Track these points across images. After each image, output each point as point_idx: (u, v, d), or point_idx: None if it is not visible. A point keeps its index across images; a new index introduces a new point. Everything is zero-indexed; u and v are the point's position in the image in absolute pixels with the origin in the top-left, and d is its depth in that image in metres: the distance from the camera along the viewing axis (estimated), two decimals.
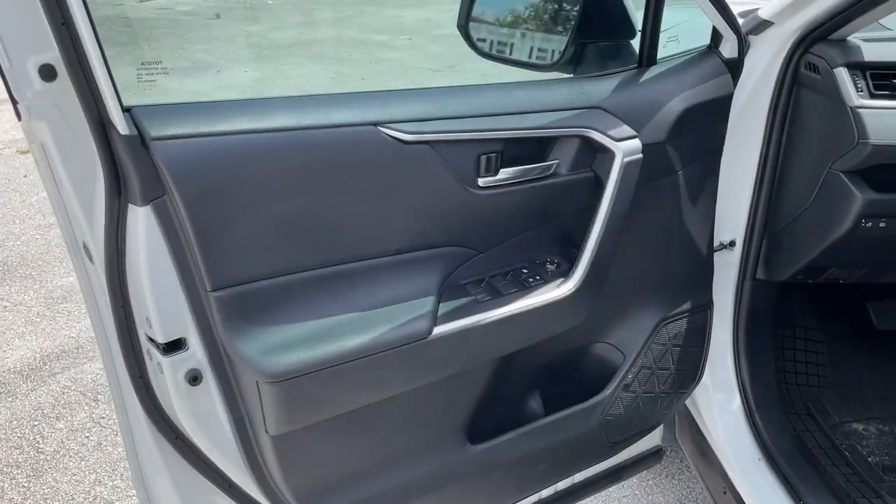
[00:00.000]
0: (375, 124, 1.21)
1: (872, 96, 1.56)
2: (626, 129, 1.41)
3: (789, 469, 1.77)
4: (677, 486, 2.55)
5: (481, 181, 1.33)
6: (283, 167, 1.14)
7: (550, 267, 1.47)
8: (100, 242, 1.12)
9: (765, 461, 1.82)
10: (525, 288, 1.41)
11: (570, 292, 1.41)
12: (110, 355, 1.21)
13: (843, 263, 1.77)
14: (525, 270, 1.45)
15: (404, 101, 1.26)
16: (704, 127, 1.60)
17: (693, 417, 2.01)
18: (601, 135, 1.39)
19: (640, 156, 1.42)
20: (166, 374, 1.17)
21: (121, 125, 1.01)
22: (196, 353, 1.17)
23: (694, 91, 1.53)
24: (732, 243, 1.85)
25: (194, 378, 1.18)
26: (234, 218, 1.12)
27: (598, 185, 1.44)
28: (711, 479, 1.91)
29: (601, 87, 1.46)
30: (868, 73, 1.57)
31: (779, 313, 2.04)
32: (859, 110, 1.55)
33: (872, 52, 1.58)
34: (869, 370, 2.18)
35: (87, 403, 2.94)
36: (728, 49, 1.60)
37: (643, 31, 1.50)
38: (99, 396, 2.97)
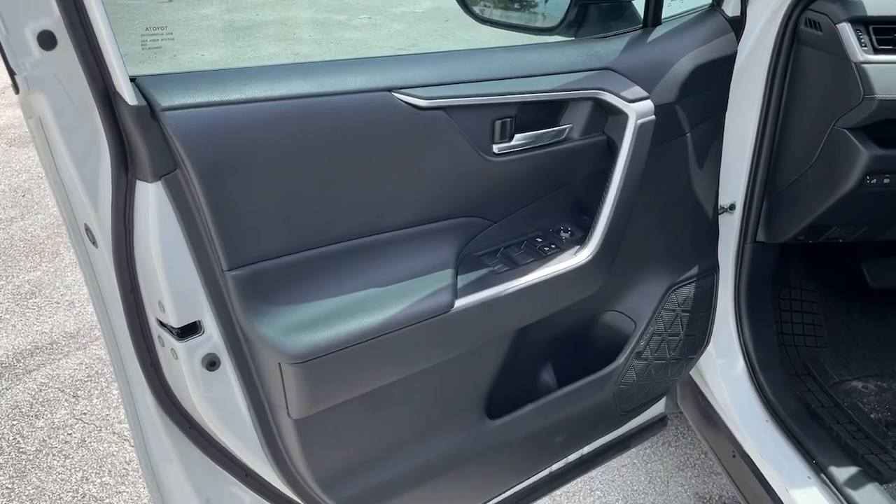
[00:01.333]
0: (390, 90, 1.15)
1: (876, 51, 1.55)
2: (639, 91, 1.38)
3: (797, 429, 1.78)
4: (675, 452, 2.56)
5: (496, 147, 1.29)
6: (298, 136, 1.08)
7: (565, 235, 1.44)
8: (105, 224, 1.05)
9: (772, 422, 1.83)
10: (541, 257, 1.37)
11: (586, 260, 1.38)
12: (116, 345, 1.15)
13: (845, 222, 1.78)
14: (539, 239, 1.42)
15: (417, 65, 1.21)
16: (710, 87, 1.57)
17: (695, 383, 2.01)
18: (614, 96, 1.35)
19: (653, 117, 1.39)
20: (181, 360, 1.11)
21: (129, 95, 0.94)
22: (213, 337, 1.11)
23: (700, 50, 1.50)
24: (732, 206, 1.84)
25: (212, 363, 1.12)
26: (249, 192, 1.06)
27: (611, 150, 1.40)
28: (719, 444, 1.91)
29: (610, 48, 1.42)
30: (871, 28, 1.56)
31: (776, 275, 2.05)
32: (864, 66, 1.53)
33: (874, 7, 1.56)
34: (863, 328, 2.20)
35: (66, 400, 2.84)
36: (731, 7, 1.57)
37: None
38: (79, 392, 2.87)
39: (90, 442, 2.63)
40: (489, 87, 1.24)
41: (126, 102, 0.95)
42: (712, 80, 1.56)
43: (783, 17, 1.65)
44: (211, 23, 8.96)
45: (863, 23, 1.56)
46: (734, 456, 1.85)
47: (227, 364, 1.13)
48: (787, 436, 1.78)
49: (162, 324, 1.11)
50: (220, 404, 1.16)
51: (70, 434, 2.68)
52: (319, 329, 1.12)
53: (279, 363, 1.12)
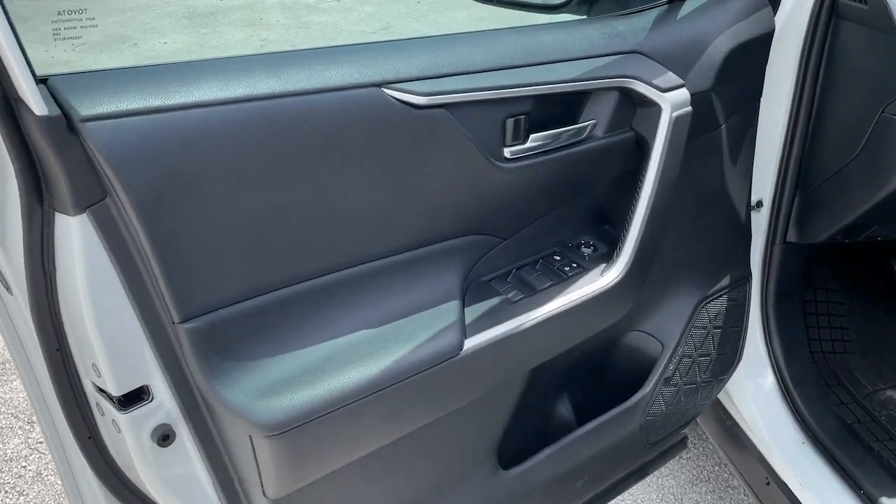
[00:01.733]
0: (379, 85, 0.92)
1: None
2: (672, 77, 1.16)
3: (837, 451, 1.59)
4: (687, 465, 2.38)
5: (508, 151, 1.06)
6: (263, 149, 0.85)
7: (587, 251, 1.22)
8: (18, 266, 0.81)
9: (809, 444, 1.63)
10: (562, 280, 1.15)
11: (616, 281, 1.17)
12: (48, 413, 0.91)
13: (889, 220, 1.58)
14: (558, 257, 1.20)
15: (411, 53, 0.98)
16: (747, 70, 1.36)
17: (718, 399, 1.81)
18: (645, 85, 1.13)
19: (690, 109, 1.18)
20: (126, 434, 0.87)
21: (36, 102, 0.70)
22: (164, 405, 0.88)
23: (737, 28, 1.29)
24: (760, 203, 1.63)
25: (164, 437, 0.88)
26: (202, 223, 0.82)
27: (641, 148, 1.19)
28: (749, 469, 1.72)
29: (635, 27, 1.20)
30: None
31: (803, 277, 1.85)
32: None
33: None
34: (892, 330, 2.02)
35: (20, 427, 2.58)
36: None
37: None
38: (34, 418, 2.60)
39: (47, 475, 2.38)
40: (499, 78, 1.02)
41: (32, 112, 0.71)
42: (749, 63, 1.35)
43: None
44: (173, 9, 8.58)
45: None
46: (768, 483, 1.66)
47: (183, 437, 0.90)
48: (828, 460, 1.59)
49: (100, 389, 0.87)
50: (179, 484, 0.93)
51: (25, 466, 2.43)
52: (298, 389, 0.89)
53: (250, 435, 0.89)
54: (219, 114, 0.80)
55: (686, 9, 1.27)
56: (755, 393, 1.72)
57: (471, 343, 1.02)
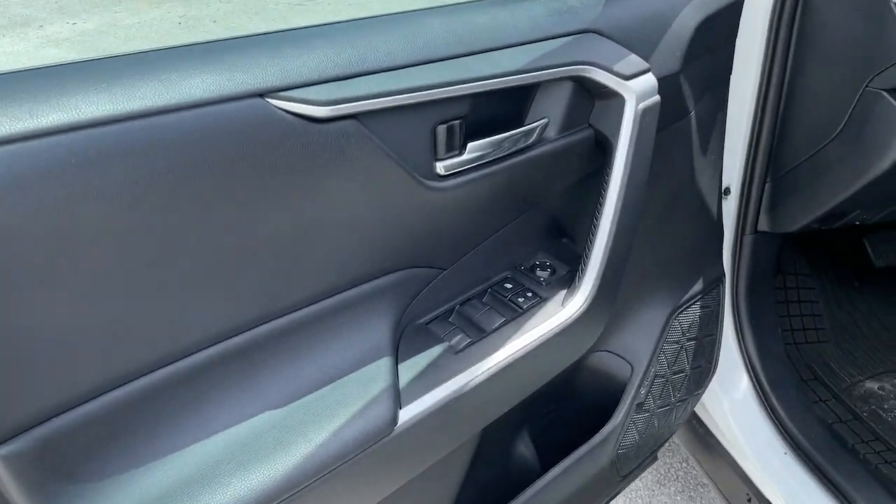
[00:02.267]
0: (262, 94, 0.69)
1: None
2: (636, 61, 0.95)
3: (823, 461, 1.44)
4: (653, 465, 2.23)
5: (441, 166, 0.84)
6: (100, 191, 0.61)
7: (543, 274, 1.01)
8: None
9: (792, 454, 1.48)
10: (516, 314, 0.95)
11: (581, 311, 0.97)
12: None
13: (871, 204, 1.42)
14: (509, 286, 0.99)
15: (306, 46, 0.74)
16: (716, 46, 1.16)
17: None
18: (605, 73, 0.92)
19: (658, 98, 0.97)
20: None
21: None
22: None
23: (700, 2, 1.08)
24: (727, 191, 1.46)
25: None
26: (14, 302, 0.58)
27: (602, 147, 0.98)
28: (727, 484, 1.56)
29: (591, 2, 0.98)
30: None
31: (775, 267, 1.69)
32: None
33: None
34: (867, 315, 1.89)
35: None
36: None
37: None
38: None
39: None
40: (424, 75, 0.79)
41: None
42: (718, 37, 1.15)
43: None
44: None
45: None
46: (749, 500, 1.51)
47: None
48: (814, 472, 1.44)
49: None
50: None
51: None
52: None
53: None
54: (14, 155, 0.55)
55: None
56: (730, 398, 1.56)
57: (407, 413, 0.81)
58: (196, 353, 0.71)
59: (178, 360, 0.70)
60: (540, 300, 0.97)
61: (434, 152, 0.83)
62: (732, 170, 1.45)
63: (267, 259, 0.74)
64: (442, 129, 0.82)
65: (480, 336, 0.91)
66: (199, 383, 0.71)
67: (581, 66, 0.91)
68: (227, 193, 0.68)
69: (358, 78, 0.74)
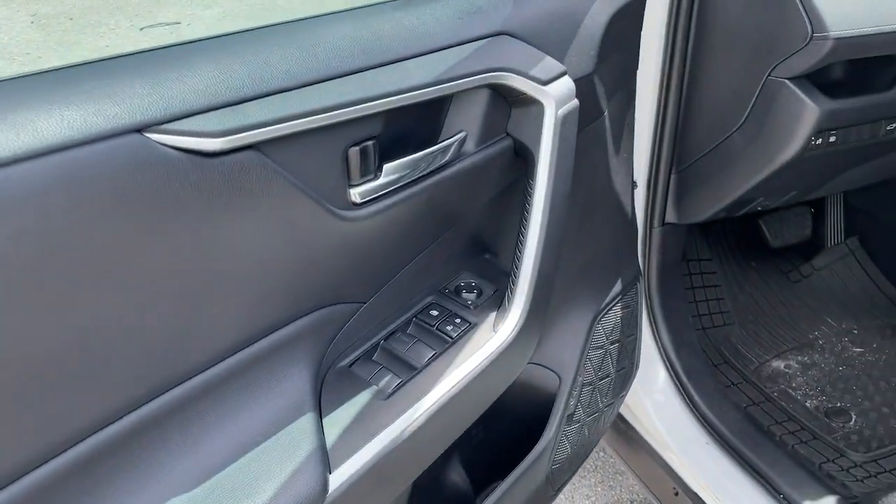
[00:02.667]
0: (140, 129, 0.57)
1: None
2: (553, 64, 0.89)
3: (743, 447, 1.45)
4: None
5: (356, 193, 0.75)
6: None
7: (470, 296, 0.94)
8: None
9: (714, 444, 1.49)
10: (446, 345, 0.87)
11: (515, 333, 0.90)
12: None
13: (775, 191, 1.43)
14: (435, 312, 0.91)
15: (186, 67, 0.63)
16: (625, 42, 1.12)
17: None
18: (522, 78, 0.85)
19: (577, 102, 0.91)
20: None
21: None
22: None
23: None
24: (634, 185, 1.43)
25: None
26: None
27: (523, 157, 0.91)
28: (654, 479, 1.55)
29: (498, 1, 0.91)
30: None
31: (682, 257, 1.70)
32: None
33: None
34: (766, 294, 1.94)
35: None
36: None
37: None
38: None
39: None
40: (329, 93, 0.69)
41: None
42: (627, 32, 1.11)
43: None
44: None
45: None
46: (676, 494, 1.50)
47: None
48: (736, 460, 1.44)
49: None
50: None
51: None
52: None
53: None
54: None
55: None
56: (649, 392, 1.55)
57: (339, 478, 0.71)
58: (83, 440, 0.59)
59: (60, 454, 0.58)
60: (470, 326, 0.89)
61: (347, 178, 0.74)
62: (639, 164, 1.42)
63: (161, 318, 0.63)
64: (354, 151, 0.73)
65: (410, 375, 0.82)
66: (91, 474, 0.59)
67: (497, 73, 0.84)
68: (107, 249, 0.56)
69: (254, 101, 0.64)
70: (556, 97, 0.88)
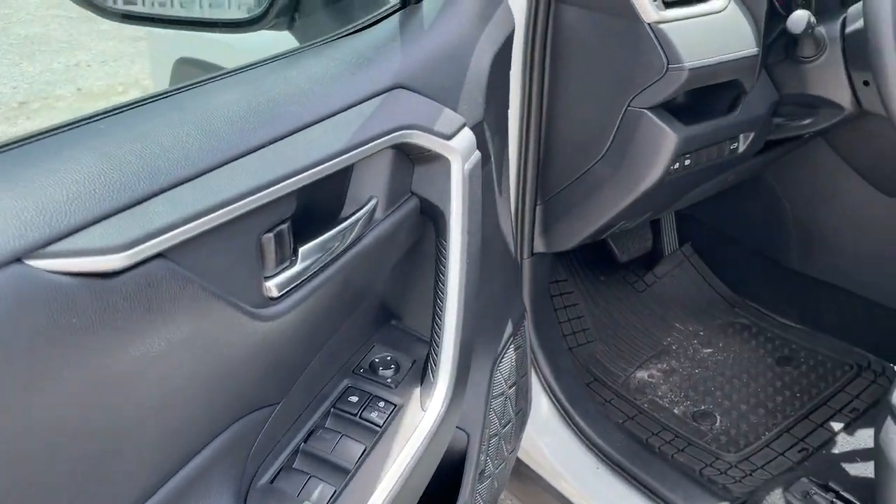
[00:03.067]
0: (19, 257, 0.44)
1: (667, 5, 1.21)
2: (453, 117, 0.83)
3: (631, 466, 1.48)
4: None
5: (272, 285, 0.64)
6: None
7: (388, 373, 0.86)
8: None
9: (603, 466, 1.50)
10: (374, 436, 0.78)
11: (445, 407, 0.83)
12: None
13: (635, 214, 1.47)
14: (354, 398, 0.81)
15: (64, 161, 0.50)
16: (501, 83, 1.09)
17: None
18: (426, 135, 0.79)
19: (479, 154, 0.87)
20: None
21: None
22: None
23: (488, 34, 1.00)
24: None
25: None
26: None
27: (430, 216, 0.85)
28: None
29: (383, 47, 0.84)
30: None
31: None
32: (660, 27, 1.19)
33: None
34: (619, 307, 2.01)
35: None
36: None
37: None
38: None
39: None
40: (236, 178, 0.58)
41: None
42: (503, 73, 1.08)
43: None
44: None
45: None
46: None
47: None
48: (628, 481, 1.47)
49: None
50: None
51: None
52: None
53: None
54: None
55: (430, 14, 0.94)
56: (535, 422, 1.53)
57: None
58: None
59: None
60: (395, 408, 0.81)
61: (262, 269, 0.63)
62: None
63: (56, 475, 0.49)
64: (269, 239, 0.62)
65: (343, 481, 0.72)
66: None
67: (402, 132, 0.76)
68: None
69: (154, 198, 0.52)
70: (461, 151, 0.82)
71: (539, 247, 1.51)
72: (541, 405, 1.56)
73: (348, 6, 0.98)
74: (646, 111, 1.25)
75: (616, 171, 1.33)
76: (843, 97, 1.30)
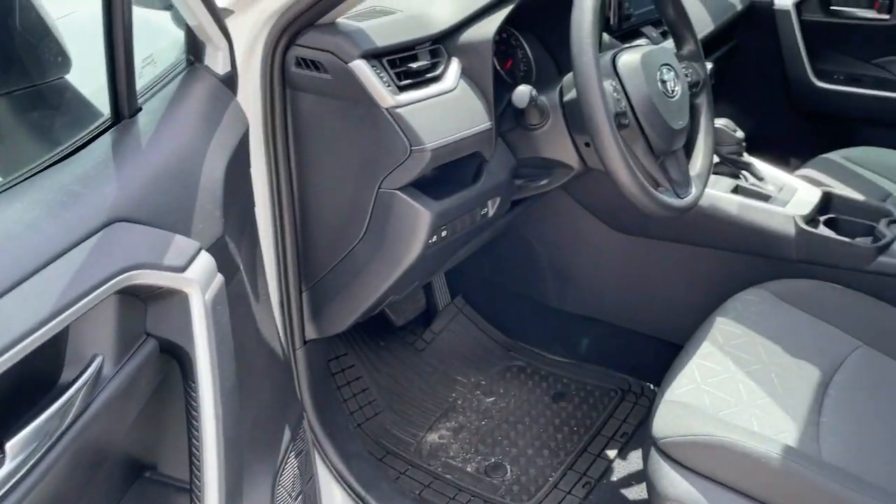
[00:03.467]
0: None
1: (401, 89, 1.23)
2: (185, 244, 0.77)
3: None
4: None
5: None
6: None
7: None
8: None
9: None
10: None
11: None
12: None
13: (403, 287, 1.47)
14: None
15: None
16: (242, 186, 1.03)
17: None
18: (157, 272, 0.71)
19: (221, 277, 0.80)
20: None
21: None
22: None
23: (219, 140, 0.94)
24: None
25: None
26: None
27: (174, 356, 0.77)
28: None
29: (94, 177, 0.75)
30: (385, 62, 1.23)
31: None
32: (398, 111, 1.20)
33: (378, 34, 1.23)
34: (401, 370, 2.00)
35: None
36: (220, 61, 1.04)
37: (113, 67, 0.81)
38: None
39: None
40: None
41: None
42: (241, 176, 1.02)
43: (263, 61, 1.20)
44: None
45: (376, 56, 1.22)
46: None
47: None
48: None
49: None
50: None
51: None
52: None
53: None
54: None
55: (146, 129, 0.86)
56: None
57: None
58: None
59: None
60: None
61: None
62: (269, 288, 1.35)
63: None
64: None
65: None
66: None
67: (124, 276, 0.68)
68: None
69: None
70: (199, 281, 0.75)
71: (311, 333, 1.46)
72: (335, 496, 1.50)
73: (46, 128, 0.87)
74: (397, 192, 1.25)
75: (377, 252, 1.33)
76: (571, 158, 1.40)
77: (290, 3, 1.16)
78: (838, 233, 1.55)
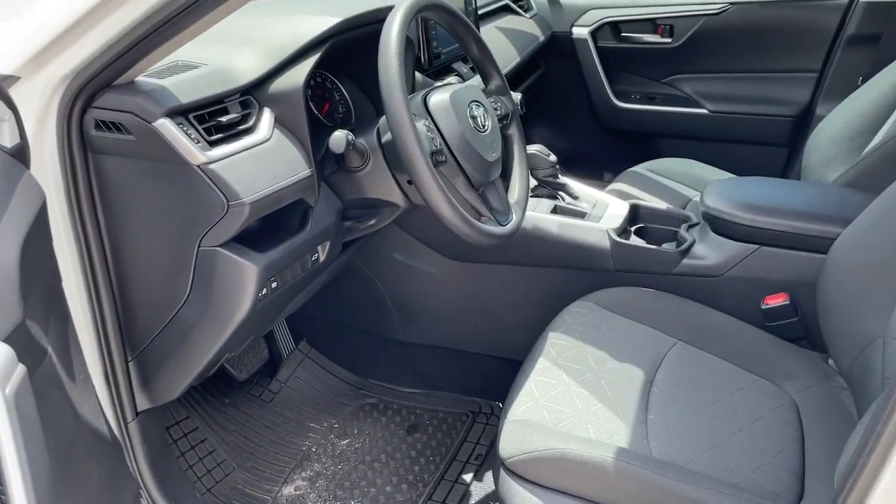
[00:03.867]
0: None
1: (212, 144, 1.20)
2: None
3: None
4: None
5: None
6: None
7: None
8: None
9: None
10: None
11: None
12: None
13: (238, 343, 1.43)
14: None
15: None
16: (44, 261, 0.96)
17: None
18: None
19: (23, 367, 0.75)
20: None
21: None
22: None
23: (9, 219, 0.88)
24: None
25: None
26: None
27: None
28: None
29: None
30: (192, 117, 1.20)
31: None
32: (211, 167, 1.17)
33: (182, 90, 1.20)
34: (249, 425, 1.94)
35: None
36: (6, 133, 0.97)
37: None
38: None
39: None
40: None
41: None
42: (42, 251, 0.95)
43: (59, 127, 1.14)
44: None
45: (181, 113, 1.18)
46: None
47: None
48: None
49: None
50: None
51: None
52: None
53: None
54: None
55: None
56: None
57: None
58: None
59: None
60: None
61: None
62: (91, 364, 1.27)
63: None
64: None
65: None
66: None
67: None
68: None
69: None
70: None
71: (143, 404, 1.38)
72: None
73: None
74: (219, 249, 1.22)
75: (204, 312, 1.28)
76: (396, 196, 1.43)
77: (81, 67, 1.10)
78: (647, 241, 1.68)
